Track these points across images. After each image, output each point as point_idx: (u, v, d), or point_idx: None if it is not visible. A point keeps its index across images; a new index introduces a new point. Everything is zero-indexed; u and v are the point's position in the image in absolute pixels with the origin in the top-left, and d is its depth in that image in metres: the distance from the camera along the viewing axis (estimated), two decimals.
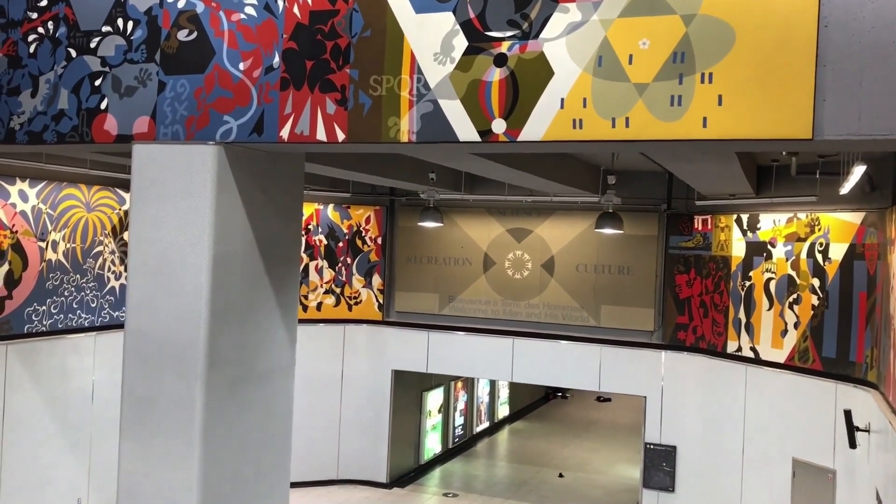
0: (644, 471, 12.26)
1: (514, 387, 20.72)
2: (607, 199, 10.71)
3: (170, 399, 5.22)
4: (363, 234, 14.27)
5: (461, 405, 17.40)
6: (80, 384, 10.20)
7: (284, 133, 5.01)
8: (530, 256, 13.33)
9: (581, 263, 13.01)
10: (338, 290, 14.15)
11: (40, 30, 5.78)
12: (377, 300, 14.23)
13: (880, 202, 8.92)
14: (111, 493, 9.95)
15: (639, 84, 4.22)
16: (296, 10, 5.01)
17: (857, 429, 8.51)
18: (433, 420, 15.85)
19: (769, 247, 10.83)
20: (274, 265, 5.75)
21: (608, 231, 11.26)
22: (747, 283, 11.14)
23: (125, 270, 10.66)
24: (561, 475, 15.73)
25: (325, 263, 14.09)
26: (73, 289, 10.13)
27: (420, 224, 12.93)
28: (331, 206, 14.12)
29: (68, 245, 10.07)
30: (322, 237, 14.06)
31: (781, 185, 10.46)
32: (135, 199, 5.44)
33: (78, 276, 10.21)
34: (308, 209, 13.79)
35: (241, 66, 5.14)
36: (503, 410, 20.49)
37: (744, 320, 11.17)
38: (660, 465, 12.10)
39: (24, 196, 9.45)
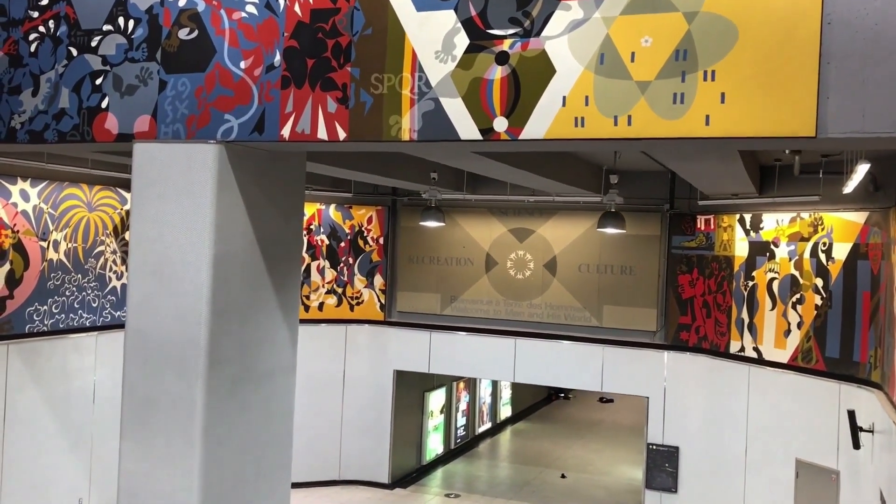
0: (646, 471, 12.23)
1: (516, 387, 20.69)
2: (610, 199, 10.68)
3: (170, 399, 5.20)
4: (365, 233, 14.25)
5: (463, 406, 17.37)
6: (82, 384, 10.20)
7: (285, 132, 5.00)
8: (532, 256, 13.30)
9: (583, 263, 12.98)
10: (340, 291, 14.14)
11: (41, 28, 5.77)
12: (379, 300, 14.21)
13: (884, 201, 8.89)
14: (112, 493, 9.93)
15: (641, 82, 4.20)
16: (297, 8, 4.99)
17: (861, 429, 8.48)
18: (435, 421, 15.83)
19: (772, 246, 10.80)
20: (275, 264, 5.74)
21: (611, 230, 11.24)
22: (750, 283, 11.11)
23: (126, 270, 10.65)
24: (563, 476, 15.70)
25: (327, 263, 14.07)
26: (74, 288, 10.13)
27: (422, 224, 12.92)
28: (333, 206, 14.11)
29: (70, 245, 10.06)
30: (324, 237, 14.05)
31: (784, 184, 10.43)
32: (135, 198, 5.42)
33: (79, 275, 10.20)
34: (310, 209, 13.78)
35: (242, 64, 5.12)
36: (505, 411, 20.46)
37: (746, 320, 11.14)
38: (662, 465, 12.06)
39: (25, 196, 9.45)
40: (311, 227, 13.91)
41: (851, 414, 8.53)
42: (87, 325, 10.31)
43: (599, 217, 11.23)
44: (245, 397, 5.48)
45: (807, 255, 10.24)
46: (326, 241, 14.07)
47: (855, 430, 8.45)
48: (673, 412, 12.06)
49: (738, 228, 11.33)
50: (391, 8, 4.75)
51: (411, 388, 14.69)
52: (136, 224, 5.40)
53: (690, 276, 12.11)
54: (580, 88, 4.32)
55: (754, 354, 10.97)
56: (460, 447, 17.14)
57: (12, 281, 9.27)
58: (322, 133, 4.91)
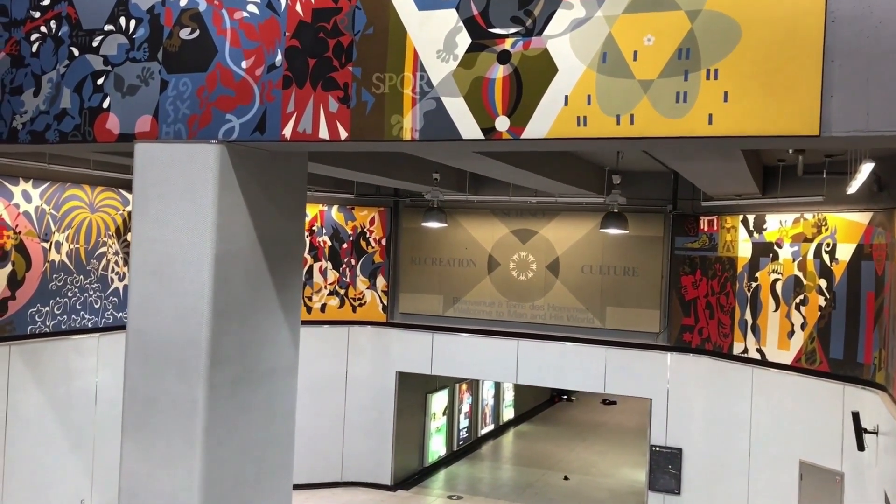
0: (649, 473, 12.19)
1: (519, 389, 20.66)
2: (612, 199, 10.66)
3: (171, 399, 5.19)
4: (367, 235, 14.24)
5: (466, 407, 17.35)
6: (84, 385, 10.19)
7: (287, 131, 4.99)
8: (535, 257, 13.28)
9: (586, 265, 12.95)
10: (342, 292, 14.13)
11: (43, 29, 5.77)
12: (381, 301, 14.19)
13: (888, 202, 8.85)
14: (114, 494, 9.91)
15: (644, 81, 4.18)
16: (298, 7, 4.98)
17: (866, 431, 8.44)
18: (438, 422, 15.80)
19: (775, 247, 10.77)
20: (277, 264, 5.72)
21: (613, 231, 11.22)
22: (753, 284, 11.07)
23: (129, 271, 10.65)
24: (566, 478, 15.67)
25: (330, 265, 14.06)
26: (76, 290, 10.12)
27: (424, 225, 12.90)
28: (335, 208, 14.10)
29: (72, 246, 10.06)
30: (326, 238, 14.04)
31: (788, 185, 10.40)
32: (137, 198, 5.42)
33: (81, 276, 10.20)
34: (312, 210, 13.77)
35: (244, 64, 5.11)
36: (508, 413, 20.43)
37: (750, 321, 11.10)
38: (665, 467, 12.02)
39: (27, 196, 9.45)
40: (314, 228, 13.90)
41: (856, 415, 8.49)
42: (89, 326, 10.31)
43: (602, 218, 11.21)
44: (246, 398, 5.47)
45: (810, 255, 10.20)
46: (329, 243, 14.06)
47: (859, 431, 8.42)
48: (676, 414, 12.03)
49: (742, 229, 11.30)
50: (393, 7, 4.74)
51: (414, 389, 14.67)
52: (138, 224, 5.39)
53: (693, 278, 12.08)
54: (582, 87, 4.30)
55: (758, 356, 10.94)
56: (463, 449, 17.11)
57: (14, 282, 9.27)
58: (323, 133, 4.90)
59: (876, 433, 8.36)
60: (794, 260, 10.45)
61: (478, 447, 17.90)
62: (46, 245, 9.70)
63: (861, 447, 8.43)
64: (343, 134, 4.85)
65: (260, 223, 5.53)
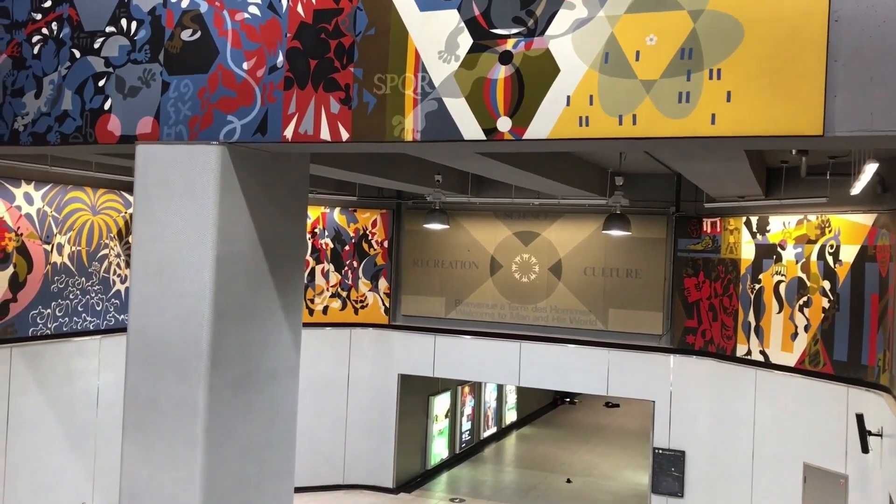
0: (652, 476, 12.15)
1: (521, 392, 20.63)
2: (615, 201, 10.64)
3: (172, 401, 5.17)
4: (369, 237, 14.23)
5: (468, 410, 17.32)
6: (85, 387, 10.19)
7: (288, 133, 4.97)
8: (537, 260, 13.26)
9: (589, 267, 12.93)
10: (344, 294, 14.12)
11: (44, 31, 5.77)
12: (383, 304, 14.18)
13: (892, 203, 8.83)
14: (115, 496, 9.89)
15: (646, 81, 4.16)
16: (299, 9, 4.97)
17: (870, 433, 8.41)
18: (440, 425, 15.78)
19: (779, 249, 10.73)
20: (278, 266, 5.71)
21: (616, 233, 11.19)
22: (757, 286, 11.04)
23: (129, 273, 10.65)
24: (569, 481, 15.63)
25: (332, 267, 14.05)
26: (78, 292, 10.12)
27: (426, 226, 12.89)
28: (337, 210, 14.09)
29: (73, 248, 10.06)
30: (328, 240, 14.03)
31: (791, 186, 10.37)
32: (138, 199, 5.41)
33: (83, 279, 10.20)
34: (314, 212, 13.77)
35: (245, 65, 5.10)
36: (511, 416, 20.40)
37: (753, 323, 11.07)
38: (668, 470, 11.99)
39: (29, 199, 9.45)
40: (316, 230, 13.90)
41: (860, 418, 8.46)
42: (91, 328, 10.30)
43: (605, 220, 11.19)
44: (247, 399, 5.45)
45: (814, 257, 10.17)
46: (331, 245, 14.05)
47: (863, 434, 8.38)
48: (679, 416, 11.99)
49: (745, 231, 11.27)
50: (394, 8, 4.72)
51: (416, 392, 14.65)
52: (139, 225, 5.38)
53: (696, 279, 12.05)
54: (584, 88, 4.28)
55: (761, 358, 10.90)
56: (465, 452, 17.08)
57: (16, 284, 9.27)
58: (325, 134, 4.89)
59: (880, 435, 8.32)
60: (797, 261, 10.42)
61: (480, 450, 17.87)
62: (48, 247, 9.70)
63: (865, 449, 8.39)
64: (344, 135, 4.84)
65: (261, 224, 5.52)
